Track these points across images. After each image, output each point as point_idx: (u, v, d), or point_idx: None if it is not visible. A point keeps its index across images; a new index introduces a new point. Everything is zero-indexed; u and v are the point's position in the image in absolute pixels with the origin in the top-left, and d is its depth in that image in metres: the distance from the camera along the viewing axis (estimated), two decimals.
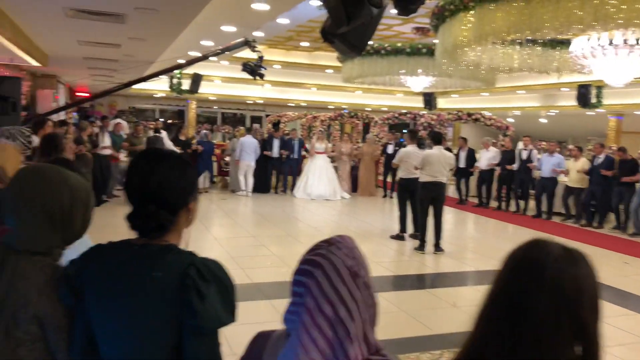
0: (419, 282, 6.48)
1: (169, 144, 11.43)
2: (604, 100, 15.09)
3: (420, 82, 13.40)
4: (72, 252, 1.50)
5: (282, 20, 8.58)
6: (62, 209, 1.41)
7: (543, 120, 20.56)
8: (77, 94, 17.61)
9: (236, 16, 7.49)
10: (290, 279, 1.15)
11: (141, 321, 1.27)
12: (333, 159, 13.27)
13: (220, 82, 18.66)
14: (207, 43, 9.30)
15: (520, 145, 12.44)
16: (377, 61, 12.13)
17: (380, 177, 13.83)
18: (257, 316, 4.35)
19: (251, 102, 22.00)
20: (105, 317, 1.31)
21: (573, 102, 15.39)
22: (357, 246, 1.20)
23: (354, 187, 13.46)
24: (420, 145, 8.79)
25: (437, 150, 7.42)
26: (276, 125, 17.75)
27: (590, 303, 0.95)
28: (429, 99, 18.90)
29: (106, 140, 10.30)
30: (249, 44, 8.43)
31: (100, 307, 1.32)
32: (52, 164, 1.61)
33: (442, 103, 20.03)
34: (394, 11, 3.39)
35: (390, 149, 13.13)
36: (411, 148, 8.10)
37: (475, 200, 12.44)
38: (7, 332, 1.34)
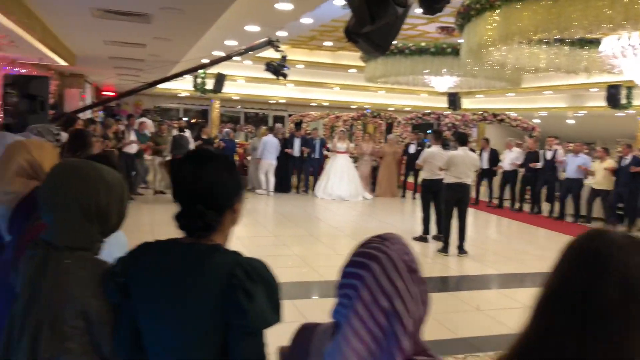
0: (442, 284, 6.39)
1: (192, 143, 11.55)
2: (634, 101, 14.72)
3: (445, 82, 13.27)
4: (106, 245, 1.52)
5: (306, 20, 8.59)
6: (98, 204, 1.43)
7: (570, 122, 20.18)
8: (104, 93, 17.91)
9: (260, 16, 7.52)
10: (340, 272, 1.13)
11: (187, 320, 1.28)
12: (355, 159, 13.21)
13: (244, 81, 18.76)
14: (231, 43, 9.35)
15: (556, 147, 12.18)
16: (401, 61, 12.04)
17: (402, 178, 13.73)
18: None
19: (274, 101, 22.07)
20: (151, 315, 1.33)
21: (602, 103, 15.05)
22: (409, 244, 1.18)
23: (374, 188, 13.37)
24: (445, 145, 8.69)
25: (462, 151, 7.33)
26: (298, 124, 17.78)
27: None
28: (454, 99, 18.71)
29: (132, 138, 10.45)
30: (272, 43, 8.47)
31: (146, 305, 1.33)
32: (90, 159, 1.63)
33: (466, 103, 19.80)
34: (419, 10, 3.35)
35: (412, 149, 13.02)
36: (435, 149, 8.01)
37: (499, 202, 12.26)
38: (54, 327, 1.36)
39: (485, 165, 12.15)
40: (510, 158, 11.83)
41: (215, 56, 9.52)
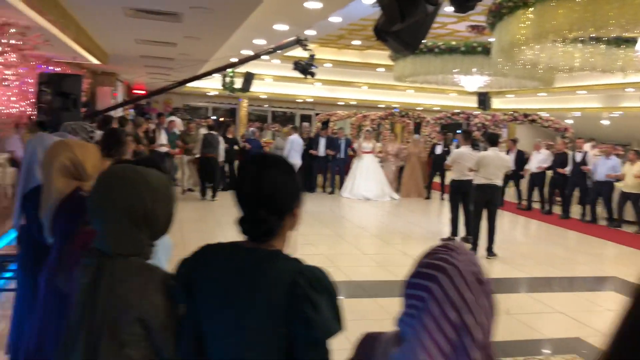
0: None
1: (222, 143, 11.64)
2: None
3: (475, 81, 13.07)
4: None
5: (334, 19, 8.55)
6: (144, 210, 1.43)
7: (605, 122, 19.65)
8: (134, 91, 18.20)
9: (289, 15, 7.52)
10: (405, 280, 1.12)
11: (249, 326, 1.28)
12: (381, 159, 13.12)
13: (272, 80, 18.83)
14: (260, 42, 9.39)
15: (586, 147, 11.86)
16: (430, 60, 11.90)
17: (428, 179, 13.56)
18: None
19: (301, 100, 22.10)
20: (214, 319, 1.33)
21: (638, 104, 14.61)
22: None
23: (399, 188, 13.23)
24: (475, 146, 8.56)
25: (492, 152, 7.20)
26: (325, 124, 17.75)
27: None
28: (484, 99, 18.39)
29: (162, 137, 10.59)
30: (300, 42, 8.46)
31: (209, 310, 1.34)
32: (136, 163, 1.64)
33: (496, 103, 19.48)
34: (449, 9, 3.28)
35: (438, 149, 12.85)
36: (465, 149, 7.89)
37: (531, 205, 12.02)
38: (112, 334, 1.37)
39: (512, 167, 11.92)
40: (538, 160, 11.57)
41: (244, 55, 9.57)
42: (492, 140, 7.40)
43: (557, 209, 11.41)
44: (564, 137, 12.42)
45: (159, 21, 6.71)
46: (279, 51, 8.99)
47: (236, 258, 1.35)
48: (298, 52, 9.21)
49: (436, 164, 12.59)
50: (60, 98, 4.55)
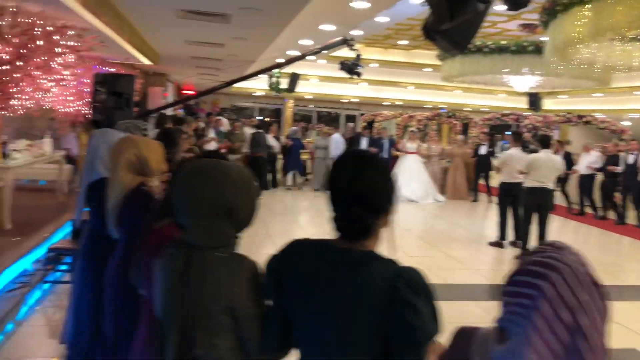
0: None
1: (271, 141, 11.78)
2: None
3: (526, 81, 12.72)
4: None
5: (381, 19, 8.50)
6: (225, 203, 1.46)
7: None
8: (184, 91, 18.62)
9: (336, 15, 7.52)
10: (509, 278, 1.09)
11: (343, 326, 1.27)
12: (425, 160, 12.91)
13: (317, 80, 18.88)
14: (306, 42, 9.43)
15: None
16: (479, 59, 11.65)
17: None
18: None
19: (346, 100, 22.07)
20: (306, 316, 1.33)
21: None
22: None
23: (442, 190, 12.99)
24: (525, 148, 8.32)
25: (544, 154, 6.99)
26: (370, 124, 17.66)
27: None
28: (534, 100, 17.84)
29: (211, 136, 10.81)
30: (347, 42, 8.43)
31: (301, 305, 1.34)
32: (208, 158, 1.68)
33: (548, 104, 18.86)
34: (499, 7, 3.19)
35: (482, 150, 12.54)
36: (515, 151, 7.67)
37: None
38: (202, 323, 1.40)
39: (564, 169, 11.49)
40: (588, 161, 11.11)
41: (290, 56, 9.63)
42: (544, 142, 7.19)
43: (613, 215, 10.94)
44: (621, 140, 11.91)
45: (208, 22, 6.83)
46: (324, 51, 8.99)
47: (330, 257, 1.33)
48: (344, 52, 9.18)
49: (480, 164, 12.31)
50: (114, 97, 4.69)
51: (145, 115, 6.11)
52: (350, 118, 23.08)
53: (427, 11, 3.13)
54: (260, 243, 6.77)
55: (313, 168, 13.15)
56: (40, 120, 9.69)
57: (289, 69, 16.04)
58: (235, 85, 10.75)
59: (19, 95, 5.55)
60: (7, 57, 5.30)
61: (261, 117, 23.03)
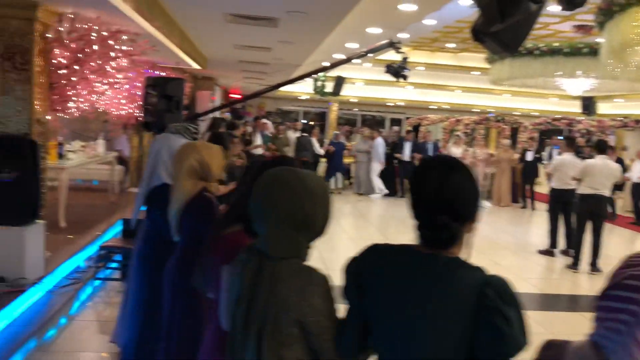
0: (570, 303, 5.89)
1: (315, 145, 11.83)
2: None
3: (579, 84, 12.25)
4: None
5: (429, 21, 8.37)
6: (304, 212, 1.44)
7: None
8: (231, 95, 18.93)
9: (382, 18, 7.47)
10: (603, 292, 1.07)
11: (428, 332, 1.26)
12: (470, 165, 12.61)
13: (362, 84, 18.82)
14: (352, 45, 9.40)
15: None
16: (530, 62, 11.30)
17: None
18: None
19: (392, 104, 21.91)
20: (388, 320, 1.32)
21: None
22: None
23: (488, 195, 12.62)
24: (579, 153, 8.02)
25: (600, 160, 6.71)
26: (416, 128, 17.45)
27: None
28: (588, 104, 17.19)
29: (258, 140, 10.95)
30: (393, 45, 8.35)
31: (383, 309, 1.33)
32: (278, 164, 1.69)
33: (603, 108, 18.14)
34: (552, 8, 3.07)
35: (529, 155, 12.15)
36: (568, 156, 7.40)
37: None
38: (272, 334, 1.39)
39: (621, 176, 11.00)
40: (639, 169, 10.59)
41: (336, 59, 9.62)
42: (601, 147, 6.90)
43: None
44: None
45: (256, 26, 6.91)
46: (370, 54, 8.94)
47: (414, 262, 1.31)
48: (390, 56, 9.11)
49: (526, 170, 11.96)
50: (165, 100, 4.78)
51: (194, 119, 6.22)
52: (396, 122, 22.89)
53: (476, 13, 3.05)
54: None
55: (355, 172, 13.09)
56: (95, 122, 10.06)
57: (334, 72, 16.12)
58: (281, 88, 10.85)
59: (75, 98, 5.76)
60: (65, 61, 5.52)
61: (305, 121, 23.17)
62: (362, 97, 20.28)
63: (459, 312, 1.23)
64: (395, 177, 12.82)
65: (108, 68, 5.90)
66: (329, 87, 17.70)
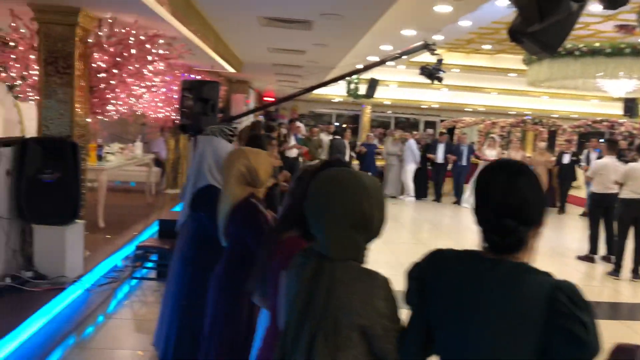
0: (611, 311, 5.70)
1: (347, 147, 11.82)
2: None
3: (622, 86, 11.87)
4: None
5: (464, 23, 8.26)
6: (363, 213, 1.43)
7: None
8: (265, 98, 19.10)
9: (417, 19, 7.40)
10: None
11: (496, 337, 1.25)
12: None
13: (396, 86, 18.70)
14: (386, 47, 9.35)
15: None
16: (569, 63, 11.01)
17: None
18: None
19: (426, 106, 21.71)
20: (453, 326, 1.31)
21: None
22: None
23: None
24: (621, 157, 7.77)
25: None
26: (450, 130, 17.23)
27: None
28: (631, 106, 16.64)
29: (292, 142, 11.00)
30: (428, 47, 8.27)
31: (448, 314, 1.33)
32: (331, 165, 1.69)
33: None
34: (593, 8, 2.98)
35: (566, 158, 11.81)
36: (609, 160, 7.17)
37: None
38: (327, 338, 1.37)
39: None
40: None
41: (370, 61, 9.58)
42: None
43: None
44: None
45: (291, 29, 6.95)
46: (404, 57, 8.87)
47: (481, 268, 1.30)
48: (424, 57, 9.03)
49: (562, 174, 11.65)
50: (200, 103, 4.85)
51: (228, 121, 6.29)
52: (430, 124, 22.67)
53: (514, 13, 2.99)
54: None
55: (385, 174, 13.03)
56: (133, 125, 10.30)
57: (368, 75, 16.07)
58: (314, 91, 10.90)
59: (114, 101, 5.91)
60: (104, 65, 5.66)
61: (338, 124, 23.17)
62: (395, 100, 20.15)
63: (528, 317, 1.22)
64: (427, 179, 12.68)
65: (145, 71, 6.02)
66: (363, 89, 17.68)
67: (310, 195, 1.50)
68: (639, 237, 6.43)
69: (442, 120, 21.09)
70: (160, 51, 6.12)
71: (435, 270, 1.36)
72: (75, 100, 5.21)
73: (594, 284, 6.65)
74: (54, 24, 5.10)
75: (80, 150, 5.07)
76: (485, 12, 7.53)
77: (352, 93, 18.55)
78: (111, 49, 5.68)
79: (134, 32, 5.72)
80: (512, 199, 1.28)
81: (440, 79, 8.62)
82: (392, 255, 6.75)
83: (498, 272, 1.27)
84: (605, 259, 7.22)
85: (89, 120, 5.64)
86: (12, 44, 5.51)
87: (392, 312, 1.39)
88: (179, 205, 8.88)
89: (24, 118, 7.84)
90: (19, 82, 5.62)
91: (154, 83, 6.33)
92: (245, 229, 2.45)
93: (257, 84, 16.94)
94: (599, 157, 8.69)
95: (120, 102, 5.99)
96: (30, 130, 7.20)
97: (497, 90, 18.75)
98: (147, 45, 5.88)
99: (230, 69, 10.34)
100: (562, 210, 11.89)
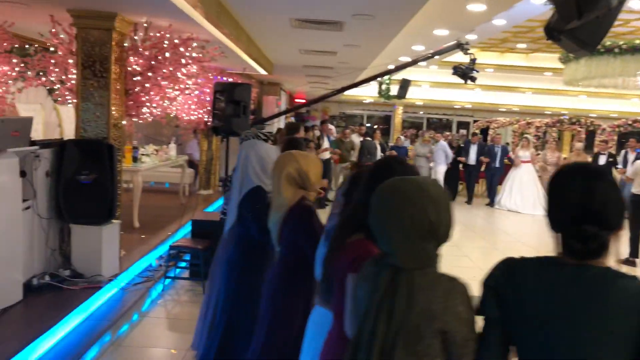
0: None
1: (378, 148, 11.76)
2: None
3: None
4: None
5: (498, 22, 8.11)
6: (430, 223, 1.41)
7: None
8: (296, 100, 19.18)
9: (450, 19, 7.31)
10: None
11: (586, 344, 1.24)
12: (540, 169, 12.08)
13: (428, 86, 18.51)
14: (418, 48, 9.26)
15: None
16: (608, 61, 10.70)
17: None
18: None
19: (459, 106, 21.43)
20: (537, 335, 1.30)
21: None
22: None
23: None
24: None
25: None
26: (484, 131, 16.95)
27: None
28: None
29: (325, 143, 11.01)
30: (461, 46, 8.15)
31: (530, 323, 1.31)
32: (389, 165, 1.70)
33: None
34: (633, 4, 2.88)
35: (602, 159, 11.46)
36: None
37: None
38: (407, 345, 1.35)
39: None
40: None
41: (402, 62, 9.51)
42: None
43: None
44: None
45: (322, 31, 6.95)
46: (437, 56, 8.77)
47: (564, 274, 1.28)
48: (457, 57, 8.91)
49: None
50: (233, 105, 4.90)
51: (260, 123, 6.34)
52: (463, 125, 22.38)
53: (549, 12, 2.91)
54: None
55: None
56: (167, 127, 10.48)
57: (400, 75, 15.92)
58: (345, 92, 10.88)
59: (149, 104, 6.01)
60: (139, 68, 5.78)
61: (369, 125, 23.08)
62: (427, 100, 19.96)
63: (620, 322, 1.21)
64: (458, 181, 12.50)
65: (179, 74, 6.12)
66: (394, 90, 17.57)
67: (374, 209, 1.46)
68: None
69: (475, 121, 20.78)
70: (194, 54, 6.21)
71: (511, 279, 1.34)
72: (111, 103, 5.33)
73: None
74: (91, 29, 5.23)
75: (116, 151, 5.19)
76: (519, 10, 7.38)
77: (383, 94, 18.44)
78: (146, 53, 5.79)
79: (168, 35, 5.81)
80: (593, 205, 1.25)
81: (473, 79, 8.49)
82: None
83: (585, 278, 1.25)
84: None
85: (124, 122, 5.76)
86: (52, 49, 5.68)
87: (471, 319, 1.38)
88: (211, 206, 9.00)
89: (63, 121, 8.07)
90: (57, 85, 5.78)
91: (187, 86, 6.42)
92: (299, 234, 2.44)
93: (288, 86, 17.01)
94: (638, 158, 8.41)
95: (155, 105, 6.10)
96: (69, 132, 7.42)
97: (532, 89, 18.37)
98: (181, 49, 5.97)
99: (262, 71, 10.41)
100: None
